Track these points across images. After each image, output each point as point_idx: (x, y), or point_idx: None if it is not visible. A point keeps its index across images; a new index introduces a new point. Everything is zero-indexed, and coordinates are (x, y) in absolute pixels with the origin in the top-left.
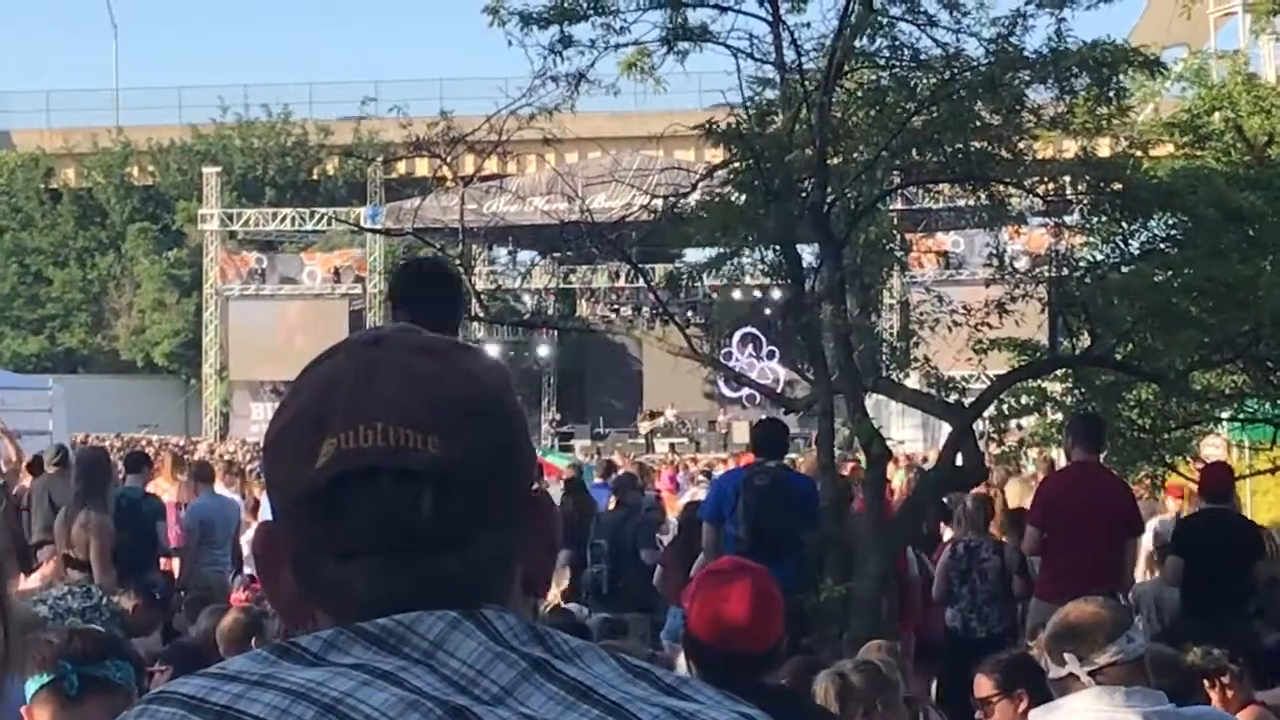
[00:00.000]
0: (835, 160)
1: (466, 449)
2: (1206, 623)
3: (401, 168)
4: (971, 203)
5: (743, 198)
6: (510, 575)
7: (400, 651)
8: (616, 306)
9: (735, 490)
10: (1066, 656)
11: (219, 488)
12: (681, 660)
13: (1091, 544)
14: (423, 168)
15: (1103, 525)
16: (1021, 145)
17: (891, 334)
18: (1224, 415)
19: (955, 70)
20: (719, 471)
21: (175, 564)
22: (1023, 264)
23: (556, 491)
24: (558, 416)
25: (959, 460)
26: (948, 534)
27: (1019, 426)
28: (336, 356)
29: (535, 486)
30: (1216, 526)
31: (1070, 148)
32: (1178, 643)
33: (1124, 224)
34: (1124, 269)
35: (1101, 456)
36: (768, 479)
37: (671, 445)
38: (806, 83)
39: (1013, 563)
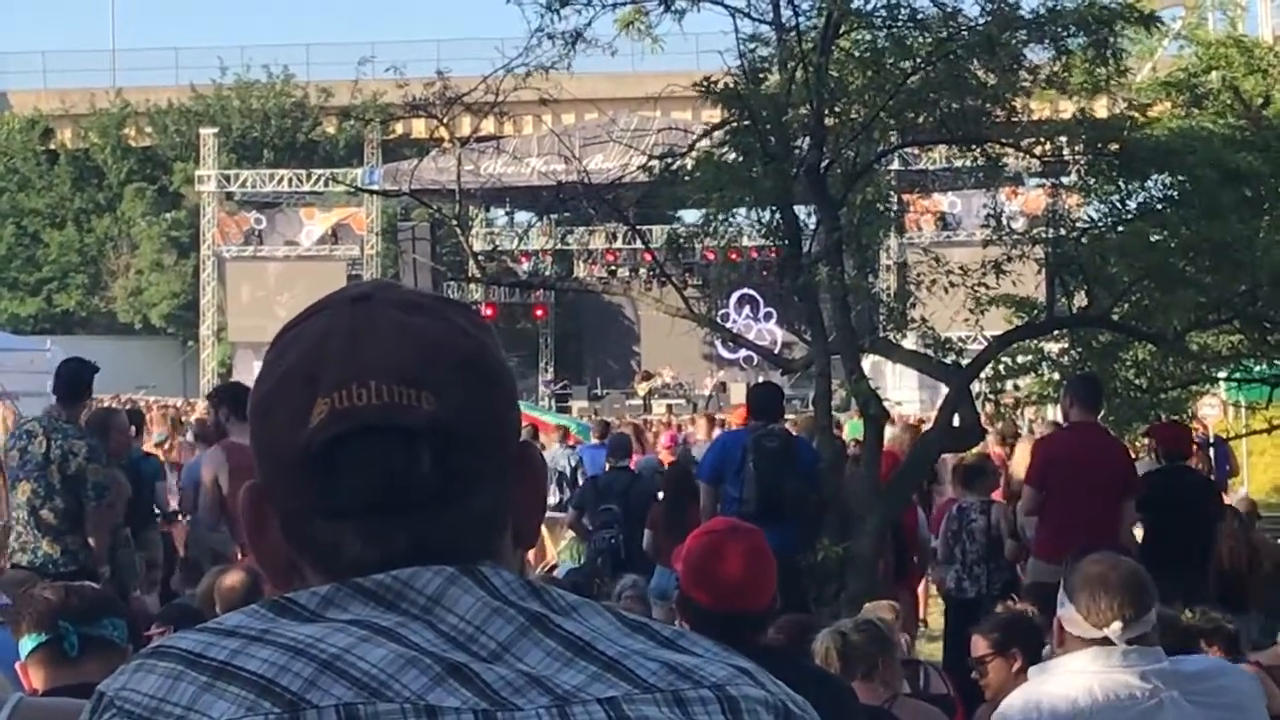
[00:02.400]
0: (832, 120)
1: (460, 405)
2: (1161, 580)
3: (399, 128)
4: (968, 163)
5: (739, 158)
6: (504, 530)
7: (398, 607)
8: (614, 267)
9: (741, 452)
10: (1073, 607)
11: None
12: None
13: (1090, 505)
14: (420, 129)
15: (1102, 486)
16: (1018, 104)
17: (889, 295)
18: (1221, 375)
19: (952, 30)
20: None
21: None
22: (1020, 225)
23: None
24: (554, 377)
25: (956, 421)
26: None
27: (1015, 387)
28: (322, 314)
29: (523, 439)
30: (1177, 484)
31: (1067, 108)
32: None
33: (1121, 184)
34: (1121, 229)
35: (1099, 416)
36: (778, 441)
37: (669, 406)
38: (803, 42)
39: (999, 523)
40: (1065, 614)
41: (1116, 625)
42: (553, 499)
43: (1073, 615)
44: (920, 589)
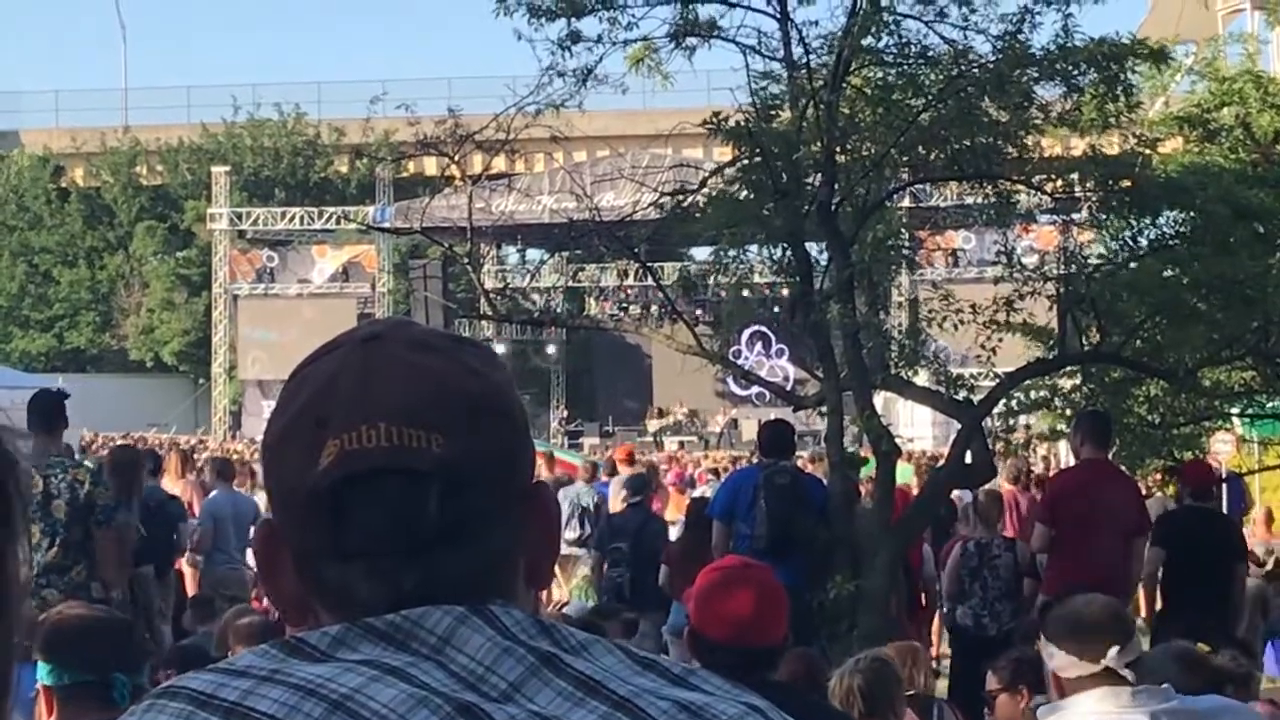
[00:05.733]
0: (843, 158)
1: (471, 446)
2: (1182, 619)
3: (411, 166)
4: (979, 200)
5: (751, 195)
6: (515, 570)
7: (409, 647)
8: (625, 305)
9: (753, 489)
10: (1063, 653)
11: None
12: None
13: (1100, 542)
14: (432, 166)
15: (1111, 523)
16: (1029, 140)
17: (900, 331)
18: (1233, 411)
19: (963, 67)
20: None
21: (182, 562)
22: (1032, 260)
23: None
24: (566, 414)
25: (968, 457)
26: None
27: (1027, 427)
28: (334, 353)
29: (536, 479)
30: (1198, 523)
31: (1078, 144)
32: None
33: (1133, 220)
34: (1133, 265)
35: (1111, 453)
36: (789, 478)
37: (681, 443)
38: (814, 80)
39: (1024, 560)
40: (1056, 663)
41: (1113, 652)
42: (573, 534)
43: (1064, 660)
44: (935, 626)
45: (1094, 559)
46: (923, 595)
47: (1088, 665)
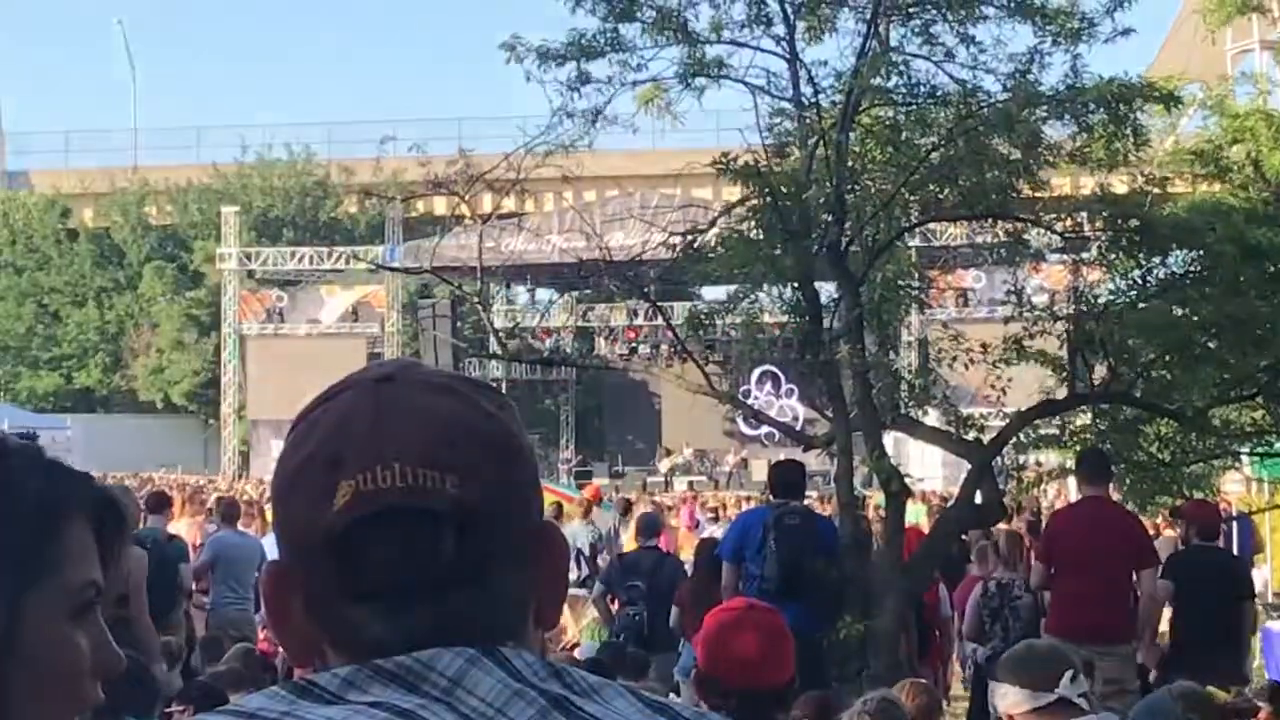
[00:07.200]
0: (853, 197)
1: (482, 487)
2: (1192, 661)
3: (421, 206)
4: (989, 239)
5: (760, 235)
6: (525, 610)
7: (419, 689)
8: (635, 344)
9: (763, 529)
10: (1016, 688)
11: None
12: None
13: (1097, 577)
14: (441, 206)
15: (1108, 559)
16: (1040, 177)
17: (910, 371)
18: (1243, 450)
19: (972, 106)
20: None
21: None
22: (1042, 300)
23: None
24: (574, 454)
25: (978, 498)
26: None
27: (1038, 463)
28: (345, 394)
29: (545, 519)
30: (1203, 565)
31: (1087, 184)
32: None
33: (1142, 260)
34: (1142, 305)
35: (1118, 492)
36: (799, 519)
37: (690, 483)
38: (824, 119)
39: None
40: (1010, 700)
41: (1066, 679)
42: (573, 575)
43: (1017, 696)
44: (953, 665)
45: (1092, 594)
46: (937, 635)
47: (1042, 696)
